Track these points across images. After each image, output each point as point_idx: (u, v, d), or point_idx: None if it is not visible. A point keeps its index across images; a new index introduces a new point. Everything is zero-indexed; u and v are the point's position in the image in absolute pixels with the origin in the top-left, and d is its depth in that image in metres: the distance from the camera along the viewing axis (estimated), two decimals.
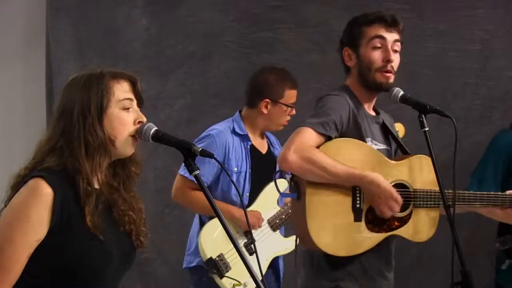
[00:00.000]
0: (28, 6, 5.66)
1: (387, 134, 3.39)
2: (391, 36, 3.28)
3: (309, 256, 3.25)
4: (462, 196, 3.26)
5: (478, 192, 3.34)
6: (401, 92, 3.29)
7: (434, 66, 5.50)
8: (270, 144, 4.35)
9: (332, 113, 3.14)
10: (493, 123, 5.31)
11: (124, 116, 2.39)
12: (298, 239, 3.27)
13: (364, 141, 3.22)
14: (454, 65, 5.49)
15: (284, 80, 4.21)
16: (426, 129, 3.18)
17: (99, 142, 2.34)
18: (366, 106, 3.32)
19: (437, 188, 3.20)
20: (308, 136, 3.10)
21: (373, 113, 3.36)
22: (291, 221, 3.28)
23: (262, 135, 4.33)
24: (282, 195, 3.88)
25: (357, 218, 3.15)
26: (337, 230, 3.13)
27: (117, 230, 2.44)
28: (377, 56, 3.25)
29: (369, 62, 3.25)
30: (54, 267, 2.31)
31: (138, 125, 2.41)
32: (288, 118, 4.19)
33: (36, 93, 5.58)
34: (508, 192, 3.37)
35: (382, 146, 3.31)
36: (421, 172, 3.26)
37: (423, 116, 3.19)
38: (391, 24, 3.29)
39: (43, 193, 2.27)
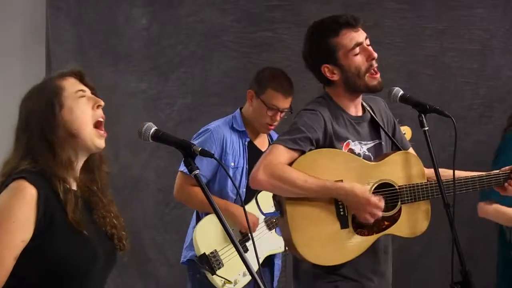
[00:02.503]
0: (28, 6, 5.66)
1: (377, 127, 3.35)
2: (362, 35, 3.22)
3: (302, 262, 3.24)
4: (459, 183, 3.25)
5: (476, 175, 3.32)
6: (401, 92, 3.29)
7: (433, 66, 5.51)
8: (271, 141, 4.35)
9: (306, 130, 3.12)
10: (493, 123, 5.32)
11: (82, 102, 2.42)
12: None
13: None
14: (453, 64, 5.49)
15: (272, 79, 4.17)
16: (426, 128, 3.18)
17: (61, 140, 2.36)
18: (350, 109, 3.28)
19: (423, 181, 3.22)
20: (278, 153, 3.09)
21: (359, 113, 3.31)
22: (282, 234, 3.32)
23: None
24: (266, 215, 3.91)
25: (343, 225, 3.14)
26: (325, 240, 3.13)
27: (98, 231, 2.44)
28: (361, 59, 3.20)
29: (356, 69, 3.20)
30: (41, 269, 2.30)
31: (98, 110, 2.43)
32: (269, 120, 4.16)
33: None
34: (501, 170, 3.36)
35: (371, 144, 3.29)
36: (404, 168, 3.25)
37: (423, 115, 3.19)
38: (355, 24, 3.22)
39: (27, 193, 2.27)
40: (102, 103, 2.44)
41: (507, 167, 3.36)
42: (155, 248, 5.54)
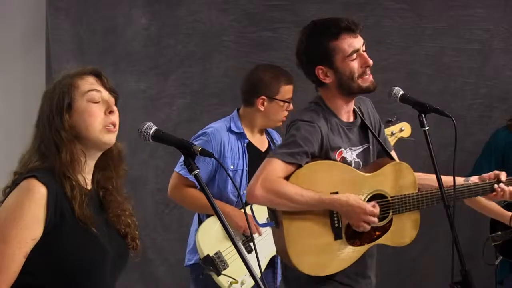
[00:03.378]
0: (28, 6, 5.66)
1: (366, 131, 3.37)
2: (360, 42, 3.24)
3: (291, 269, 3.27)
4: (450, 192, 3.25)
5: (465, 185, 3.33)
6: (401, 92, 3.30)
7: (433, 66, 5.51)
8: (271, 141, 4.35)
9: (303, 143, 3.15)
10: (493, 123, 5.32)
11: (92, 107, 2.40)
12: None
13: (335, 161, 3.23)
14: (453, 64, 5.49)
15: (279, 76, 4.21)
16: (426, 128, 3.19)
17: (67, 139, 2.36)
18: (343, 114, 3.30)
19: (415, 191, 3.26)
20: (275, 167, 3.13)
21: (351, 118, 3.34)
22: (275, 244, 3.36)
23: (262, 132, 4.33)
24: (261, 225, 3.92)
25: (337, 237, 3.19)
26: (319, 252, 3.18)
27: (110, 229, 2.46)
28: (356, 65, 3.22)
29: (350, 73, 3.22)
30: (51, 266, 2.31)
31: (110, 115, 2.41)
32: (286, 113, 4.21)
33: (36, 93, 5.56)
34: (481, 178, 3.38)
35: (360, 149, 3.32)
36: (398, 179, 3.29)
37: (423, 115, 3.20)
38: (355, 30, 3.23)
39: (37, 191, 2.28)
40: (115, 109, 2.42)
41: (490, 174, 3.38)
42: (155, 248, 5.54)
